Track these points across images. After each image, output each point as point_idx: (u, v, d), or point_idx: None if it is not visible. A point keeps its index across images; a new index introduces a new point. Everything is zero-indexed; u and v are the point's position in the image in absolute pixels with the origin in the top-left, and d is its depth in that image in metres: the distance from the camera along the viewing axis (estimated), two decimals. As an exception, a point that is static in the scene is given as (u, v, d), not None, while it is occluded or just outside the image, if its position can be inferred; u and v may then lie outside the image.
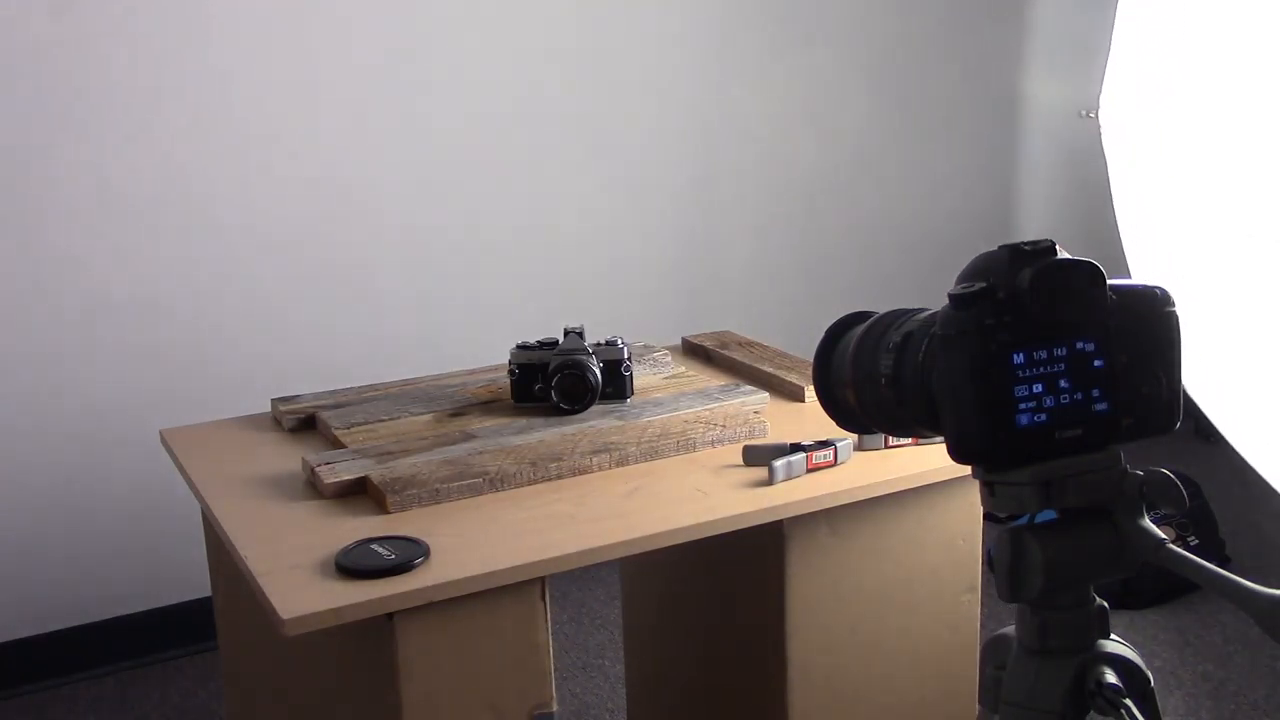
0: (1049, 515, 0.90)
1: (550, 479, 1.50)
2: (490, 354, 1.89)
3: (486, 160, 2.78)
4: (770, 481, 1.46)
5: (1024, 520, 0.90)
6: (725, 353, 1.94)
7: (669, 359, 1.92)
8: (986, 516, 1.43)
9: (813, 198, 3.18)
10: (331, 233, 2.65)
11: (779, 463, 1.47)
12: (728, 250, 3.10)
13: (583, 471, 1.52)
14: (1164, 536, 0.89)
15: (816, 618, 1.53)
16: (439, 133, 2.72)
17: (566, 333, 1.73)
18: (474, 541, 1.34)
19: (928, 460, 1.51)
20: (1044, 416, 0.85)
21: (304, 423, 1.72)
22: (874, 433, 1.51)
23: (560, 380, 1.66)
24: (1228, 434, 1.60)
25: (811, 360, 1.03)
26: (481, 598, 1.28)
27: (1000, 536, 0.90)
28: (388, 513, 1.41)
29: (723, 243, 3.10)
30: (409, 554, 1.29)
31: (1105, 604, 0.92)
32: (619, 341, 1.73)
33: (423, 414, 1.70)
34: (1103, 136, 1.50)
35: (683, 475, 1.51)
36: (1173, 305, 0.88)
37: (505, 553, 1.31)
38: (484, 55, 2.73)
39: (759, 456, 1.51)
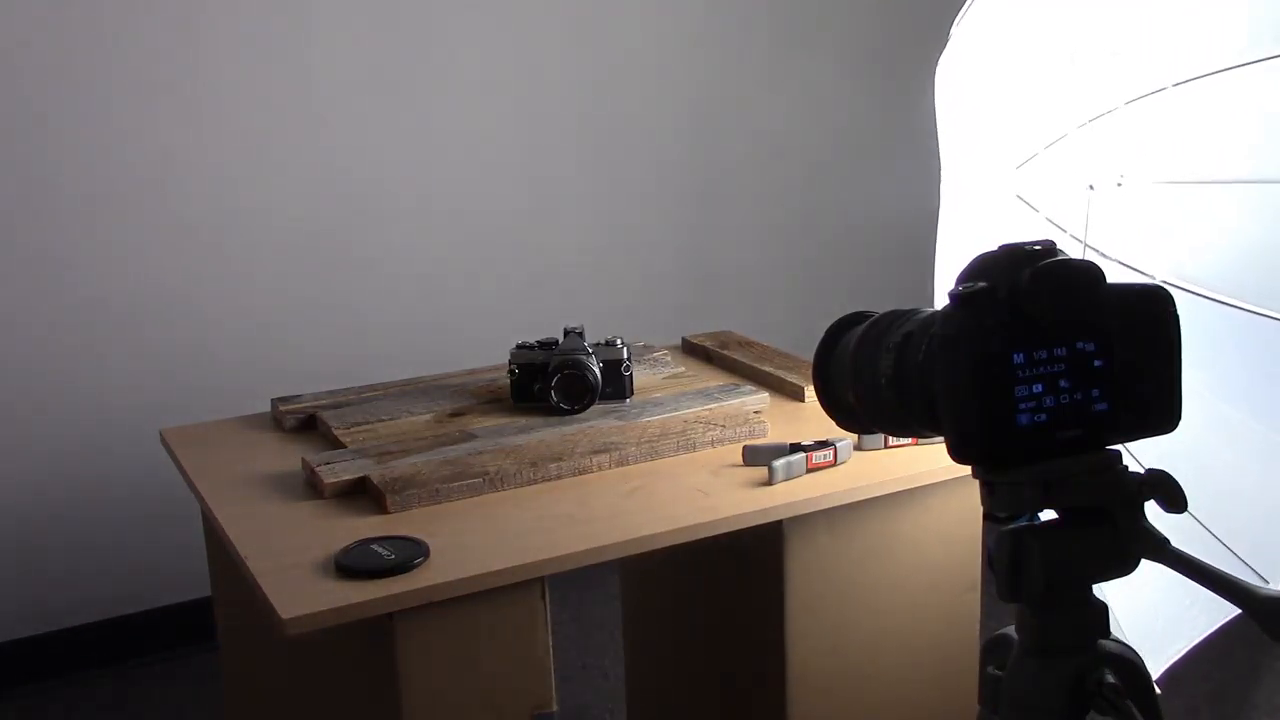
0: (1049, 515, 0.90)
1: (550, 479, 1.50)
2: (490, 354, 1.89)
3: (486, 160, 2.78)
4: (770, 481, 1.46)
5: (1024, 520, 0.90)
6: (725, 353, 1.94)
7: (669, 359, 1.92)
8: (986, 516, 1.43)
9: (813, 198, 3.18)
10: (332, 232, 2.65)
11: (779, 463, 1.47)
12: (728, 250, 3.10)
13: (583, 471, 1.52)
14: (1164, 536, 0.89)
15: (816, 618, 1.53)
16: (439, 132, 2.72)
17: (566, 333, 1.73)
18: (474, 541, 1.34)
19: (928, 460, 1.51)
20: (1044, 416, 0.85)
21: (304, 423, 1.72)
22: (874, 433, 1.51)
23: (560, 380, 1.66)
24: None
25: (811, 360, 1.03)
26: (481, 598, 1.28)
27: (1000, 536, 0.90)
28: (388, 513, 1.41)
29: (723, 243, 3.10)
30: (409, 554, 1.29)
31: (1105, 604, 0.92)
32: (619, 341, 1.73)
33: (423, 414, 1.70)
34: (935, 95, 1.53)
35: (683, 475, 1.51)
36: (1173, 305, 0.88)
37: (505, 553, 1.31)
38: (484, 55, 2.73)
39: (759, 456, 1.51)
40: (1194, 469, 1.34)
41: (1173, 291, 1.48)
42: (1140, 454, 1.32)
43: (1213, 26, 1.48)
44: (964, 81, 1.49)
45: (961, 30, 1.48)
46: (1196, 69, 1.46)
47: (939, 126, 1.50)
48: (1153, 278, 1.52)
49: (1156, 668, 1.49)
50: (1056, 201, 1.57)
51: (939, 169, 1.75)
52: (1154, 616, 1.44)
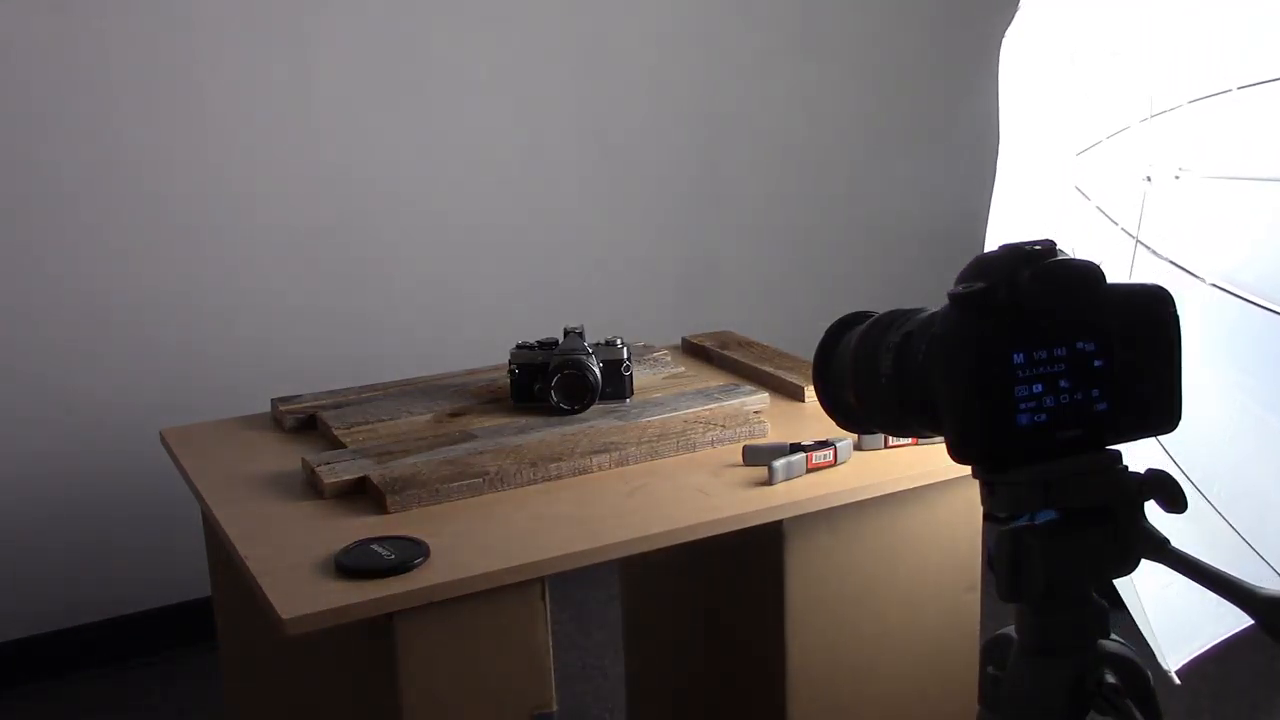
0: (1049, 515, 0.90)
1: (550, 479, 1.50)
2: (490, 354, 1.89)
3: (486, 160, 2.78)
4: (770, 481, 1.46)
5: (1024, 520, 0.90)
6: (725, 353, 1.94)
7: (669, 359, 1.92)
8: (986, 516, 1.43)
9: (813, 198, 3.18)
10: (332, 233, 2.65)
11: (779, 463, 1.47)
12: (728, 250, 3.10)
13: (583, 471, 1.52)
14: (1165, 536, 0.89)
15: (816, 618, 1.52)
16: (439, 133, 2.72)
17: (566, 333, 1.73)
18: (474, 541, 1.34)
19: (928, 460, 1.51)
20: (1044, 416, 0.85)
21: (304, 423, 1.71)
22: (874, 433, 1.51)
23: (560, 380, 1.66)
24: None
25: (811, 360, 1.03)
26: (481, 598, 1.28)
27: (1000, 536, 0.90)
28: (388, 513, 1.41)
29: (723, 243, 3.10)
30: (409, 554, 1.29)
31: (1105, 604, 0.92)
32: (619, 341, 1.73)
33: (423, 414, 1.70)
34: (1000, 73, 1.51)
35: (683, 475, 1.51)
36: (1173, 305, 0.88)
37: (505, 553, 1.31)
38: (484, 55, 2.73)
39: (759, 456, 1.51)
40: (1229, 470, 1.32)
41: (1223, 296, 1.47)
42: (1175, 453, 1.31)
43: (1271, 29, 1.46)
44: (1029, 58, 1.47)
45: (1030, 2, 1.46)
46: (1264, 73, 1.44)
47: (1001, 102, 1.48)
48: (1203, 280, 1.50)
49: (1179, 660, 1.48)
50: (1110, 191, 1.54)
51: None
52: (1182, 608, 1.43)
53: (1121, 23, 1.52)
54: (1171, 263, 1.51)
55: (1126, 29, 1.52)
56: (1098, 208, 1.54)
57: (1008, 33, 1.46)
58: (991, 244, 1.49)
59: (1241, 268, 1.49)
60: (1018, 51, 1.46)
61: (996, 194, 1.49)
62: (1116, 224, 1.54)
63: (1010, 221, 1.48)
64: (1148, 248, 1.52)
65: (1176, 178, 1.51)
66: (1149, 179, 1.51)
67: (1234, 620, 1.50)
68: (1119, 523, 0.88)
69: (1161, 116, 1.51)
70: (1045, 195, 1.54)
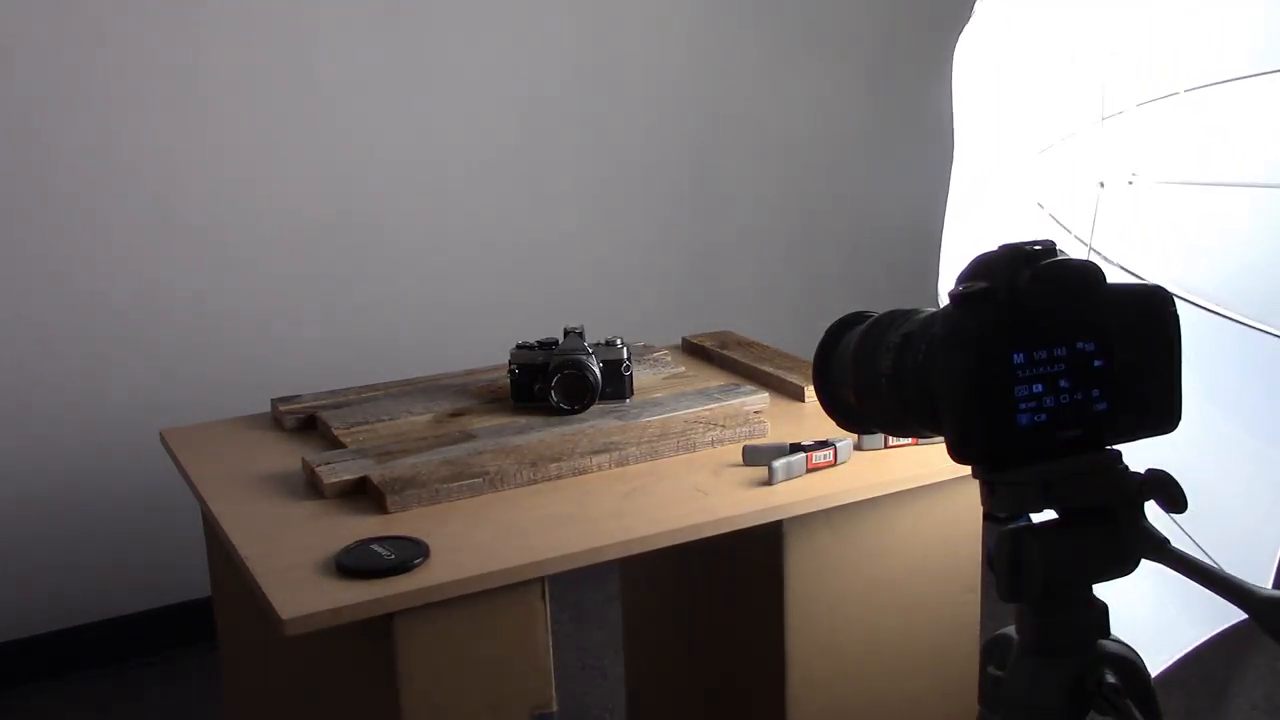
0: (1049, 515, 0.90)
1: (550, 479, 1.50)
2: (490, 354, 1.89)
3: (486, 160, 2.78)
4: (770, 481, 1.46)
5: (1024, 520, 0.90)
6: (725, 353, 1.94)
7: (669, 359, 1.92)
8: (986, 516, 1.43)
9: (814, 198, 3.18)
10: (332, 233, 2.65)
11: (779, 463, 1.47)
12: (728, 250, 3.10)
13: (583, 471, 1.52)
14: (1164, 536, 0.89)
15: (816, 618, 1.52)
16: (439, 133, 2.72)
17: (566, 333, 1.73)
18: (474, 541, 1.34)
19: (928, 460, 1.51)
20: (1044, 416, 0.85)
21: (304, 423, 1.72)
22: (874, 433, 1.51)
23: (560, 380, 1.66)
24: None
25: (811, 360, 1.03)
26: (481, 598, 1.28)
27: (1000, 536, 0.90)
28: (388, 513, 1.41)
29: (723, 243, 3.10)
30: (409, 554, 1.29)
31: (1105, 604, 0.92)
32: (619, 341, 1.73)
33: (423, 414, 1.70)
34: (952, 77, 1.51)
35: (683, 475, 1.51)
36: (1173, 305, 0.88)
37: (505, 553, 1.31)
38: (484, 56, 2.73)
39: (759, 456, 1.51)
40: (1184, 479, 1.33)
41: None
42: (1130, 462, 1.31)
43: (1226, 33, 1.46)
44: (982, 62, 1.47)
45: (985, 7, 1.46)
46: (1210, 75, 1.45)
47: (955, 106, 1.48)
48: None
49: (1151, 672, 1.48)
50: (1063, 198, 1.55)
51: (943, 167, 1.74)
52: (1139, 629, 1.43)
53: (1075, 26, 1.52)
54: (1121, 268, 1.52)
55: (1080, 32, 1.52)
56: (1050, 215, 1.55)
57: (961, 36, 1.46)
58: (948, 247, 1.49)
59: (1189, 272, 1.49)
60: (971, 55, 1.46)
61: (951, 198, 1.49)
62: (1070, 232, 1.54)
63: (966, 226, 1.48)
64: (1099, 254, 1.52)
65: (1130, 183, 1.52)
66: (1102, 185, 1.52)
67: (1204, 628, 1.49)
68: (1119, 523, 0.88)
69: (1113, 120, 1.51)
70: (999, 199, 1.55)
